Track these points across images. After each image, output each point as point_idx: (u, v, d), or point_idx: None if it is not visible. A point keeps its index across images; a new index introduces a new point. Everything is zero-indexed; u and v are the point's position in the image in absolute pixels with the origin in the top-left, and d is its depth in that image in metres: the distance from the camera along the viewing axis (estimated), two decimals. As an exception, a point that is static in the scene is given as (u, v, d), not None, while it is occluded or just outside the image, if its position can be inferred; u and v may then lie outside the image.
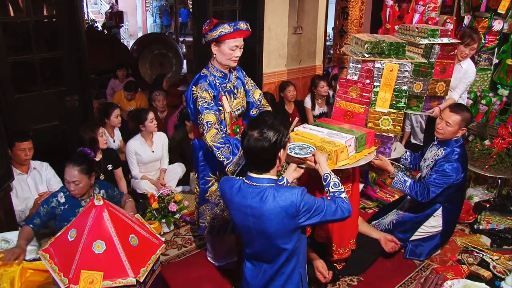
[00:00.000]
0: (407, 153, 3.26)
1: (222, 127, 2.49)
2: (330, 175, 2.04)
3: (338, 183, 2.01)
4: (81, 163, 2.68)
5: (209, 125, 2.40)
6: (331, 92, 5.06)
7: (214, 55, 2.52)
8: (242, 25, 2.45)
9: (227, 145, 2.40)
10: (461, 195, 3.21)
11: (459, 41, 3.62)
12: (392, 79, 2.60)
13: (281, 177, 2.26)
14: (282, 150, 1.88)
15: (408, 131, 4.86)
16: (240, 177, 1.98)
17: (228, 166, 2.40)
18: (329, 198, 1.97)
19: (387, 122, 2.65)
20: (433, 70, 3.22)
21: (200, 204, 2.82)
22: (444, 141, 3.01)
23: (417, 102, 3.29)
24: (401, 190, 2.98)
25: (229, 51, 2.47)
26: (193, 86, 2.51)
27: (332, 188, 1.99)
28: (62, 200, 2.75)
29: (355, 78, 2.72)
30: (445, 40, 3.20)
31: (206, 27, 2.46)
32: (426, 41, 3.18)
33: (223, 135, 2.43)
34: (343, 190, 1.98)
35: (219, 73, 2.57)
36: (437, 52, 3.20)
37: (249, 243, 2.00)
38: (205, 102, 2.44)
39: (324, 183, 2.03)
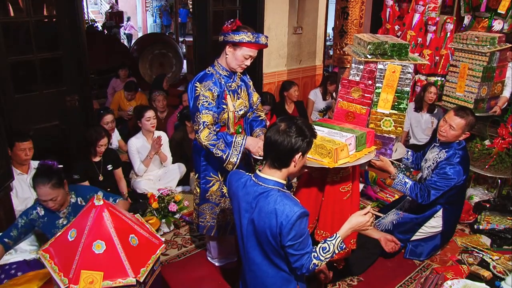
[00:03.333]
0: (409, 153, 3.26)
1: (216, 128, 2.53)
2: (335, 239, 1.92)
3: (329, 250, 1.89)
4: (50, 178, 2.47)
5: (204, 125, 2.44)
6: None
7: (227, 56, 2.54)
8: (263, 40, 2.51)
9: (220, 139, 2.46)
10: (462, 197, 3.20)
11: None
12: (395, 80, 2.60)
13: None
14: (300, 155, 1.83)
15: (405, 131, 4.86)
16: (249, 173, 1.98)
17: (228, 160, 2.46)
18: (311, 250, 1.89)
19: (389, 123, 2.66)
20: (494, 74, 3.71)
21: (200, 204, 2.82)
22: (447, 143, 3.00)
23: (482, 104, 3.83)
24: (402, 191, 2.98)
25: (242, 58, 2.50)
26: (197, 83, 2.52)
27: (320, 249, 1.88)
28: (42, 213, 2.62)
29: (357, 78, 2.72)
30: (502, 45, 3.66)
31: (229, 26, 2.47)
32: (486, 49, 3.63)
33: (215, 133, 2.48)
34: (323, 259, 1.88)
35: (225, 72, 2.59)
36: (497, 57, 3.67)
37: (241, 241, 2.00)
38: (206, 101, 2.46)
39: (328, 239, 1.94)
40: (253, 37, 2.45)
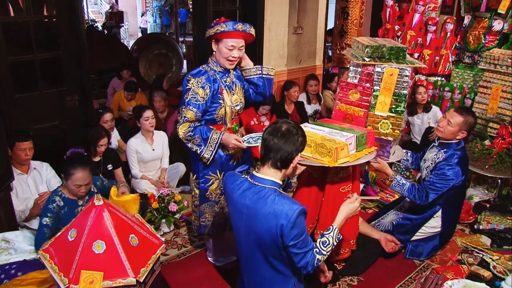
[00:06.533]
0: (409, 154, 3.26)
1: (197, 124, 2.56)
2: (332, 231, 1.98)
3: (329, 243, 1.95)
4: (87, 163, 2.70)
5: (185, 120, 2.50)
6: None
7: (214, 52, 2.56)
8: (240, 26, 2.46)
9: (197, 135, 2.52)
10: (462, 197, 3.20)
11: None
12: (392, 83, 2.63)
13: None
14: (299, 155, 1.89)
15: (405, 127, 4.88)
16: (244, 175, 1.98)
17: (202, 154, 2.56)
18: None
19: (386, 126, 2.68)
20: None
21: (201, 203, 2.82)
22: (445, 143, 3.00)
23: None
24: (400, 193, 3.00)
25: (226, 50, 2.49)
26: (191, 76, 2.54)
27: (321, 244, 1.94)
28: (61, 203, 2.72)
29: (355, 81, 2.75)
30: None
31: (212, 24, 2.50)
32: None
33: (194, 127, 2.53)
34: (325, 253, 1.93)
35: (219, 67, 2.60)
36: None
37: (239, 243, 2.00)
38: (194, 98, 2.49)
39: (325, 232, 2.00)
40: (227, 26, 2.42)
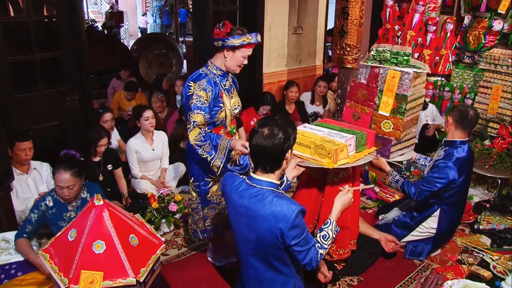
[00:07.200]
0: (427, 160, 3.24)
1: (208, 129, 2.53)
2: (330, 224, 2.03)
3: (329, 236, 2.00)
4: (72, 166, 2.59)
5: (195, 125, 2.46)
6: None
7: (226, 59, 2.55)
8: (259, 38, 2.54)
9: (207, 141, 2.49)
10: (462, 200, 3.16)
11: None
12: (394, 85, 2.73)
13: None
14: (289, 152, 1.88)
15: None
16: (243, 176, 1.98)
17: (213, 162, 2.50)
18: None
19: (388, 126, 2.76)
20: None
21: (203, 207, 2.81)
22: (449, 141, 3.00)
23: None
24: (396, 188, 3.06)
25: (241, 59, 2.53)
26: (191, 82, 2.52)
27: (321, 238, 1.97)
28: (50, 204, 2.67)
29: (364, 82, 2.91)
30: None
31: (222, 29, 2.47)
32: None
33: (204, 134, 2.49)
34: (326, 246, 1.97)
35: (219, 71, 2.59)
36: None
37: (239, 244, 2.00)
38: (199, 101, 2.47)
39: (323, 226, 2.04)
40: (251, 37, 2.48)
